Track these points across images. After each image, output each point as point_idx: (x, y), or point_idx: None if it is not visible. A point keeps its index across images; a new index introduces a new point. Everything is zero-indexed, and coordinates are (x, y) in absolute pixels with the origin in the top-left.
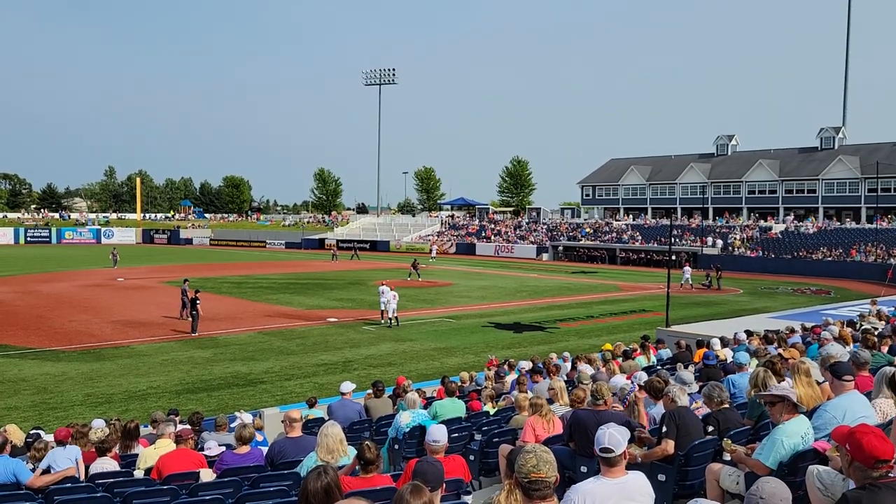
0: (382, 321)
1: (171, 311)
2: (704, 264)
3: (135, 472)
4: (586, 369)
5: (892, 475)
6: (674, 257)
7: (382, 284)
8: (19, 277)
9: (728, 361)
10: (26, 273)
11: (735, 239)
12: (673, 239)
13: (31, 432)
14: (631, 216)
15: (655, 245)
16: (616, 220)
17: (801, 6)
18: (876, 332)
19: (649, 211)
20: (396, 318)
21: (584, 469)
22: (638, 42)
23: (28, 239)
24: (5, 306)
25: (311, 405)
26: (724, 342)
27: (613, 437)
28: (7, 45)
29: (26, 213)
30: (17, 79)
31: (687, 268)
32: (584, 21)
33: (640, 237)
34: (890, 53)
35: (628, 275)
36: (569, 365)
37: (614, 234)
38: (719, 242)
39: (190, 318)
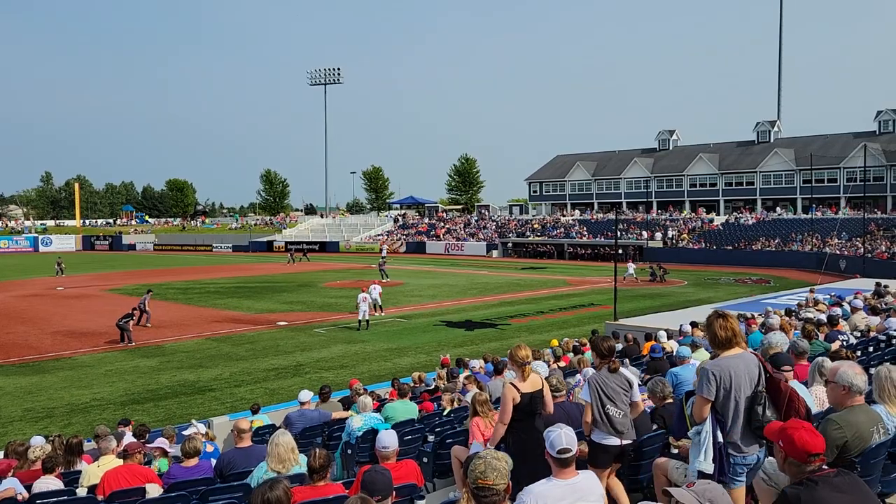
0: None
1: (114, 319)
2: (650, 258)
3: (78, 490)
4: (538, 367)
5: (825, 468)
6: (620, 251)
7: (372, 284)
8: None
9: (674, 354)
10: None
11: (678, 232)
12: (619, 233)
13: None
14: (578, 211)
15: (602, 239)
16: (563, 216)
17: (735, 1)
18: (814, 321)
19: (596, 206)
20: (368, 321)
21: None
22: (581, 39)
23: None
24: None
25: (255, 412)
26: (670, 334)
27: (568, 436)
28: None
29: None
30: None
31: (630, 263)
32: (527, 17)
33: (587, 232)
34: (821, 47)
35: (576, 269)
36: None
37: (562, 230)
38: (658, 235)
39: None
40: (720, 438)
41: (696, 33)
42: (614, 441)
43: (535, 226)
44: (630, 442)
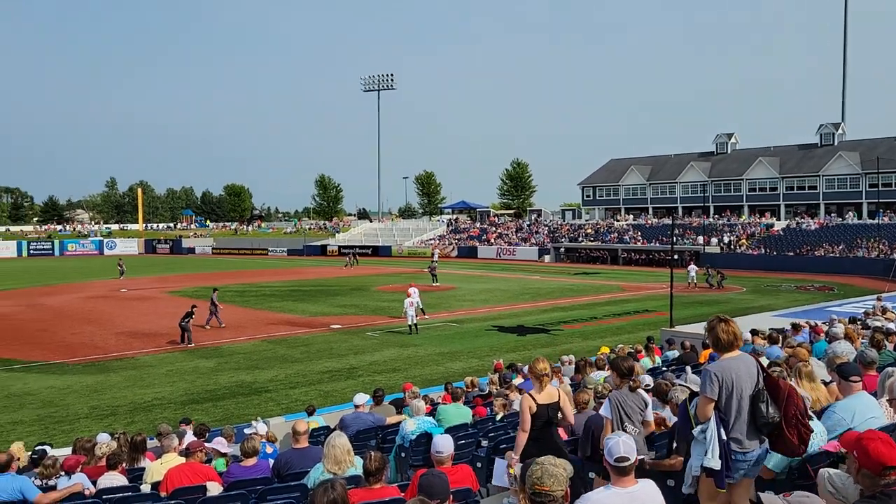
0: (426, 316)
1: (174, 321)
2: (707, 263)
3: (142, 487)
4: (595, 377)
5: None
6: (676, 256)
7: (411, 287)
8: (22, 291)
9: None
10: (29, 286)
11: (735, 237)
12: (675, 238)
13: (37, 448)
14: (632, 216)
15: (657, 245)
16: (617, 221)
17: (799, 2)
18: (883, 330)
19: (650, 210)
20: (416, 325)
21: (592, 475)
22: (635, 40)
23: (31, 252)
24: (9, 320)
25: (311, 413)
26: None
27: (627, 444)
28: (7, 59)
29: (29, 226)
30: (17, 92)
31: (692, 266)
32: (583, 22)
33: (641, 237)
34: (888, 48)
35: (631, 275)
36: (572, 367)
37: (616, 235)
38: (714, 241)
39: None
40: (723, 436)
41: (754, 32)
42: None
43: (589, 230)
44: (642, 457)
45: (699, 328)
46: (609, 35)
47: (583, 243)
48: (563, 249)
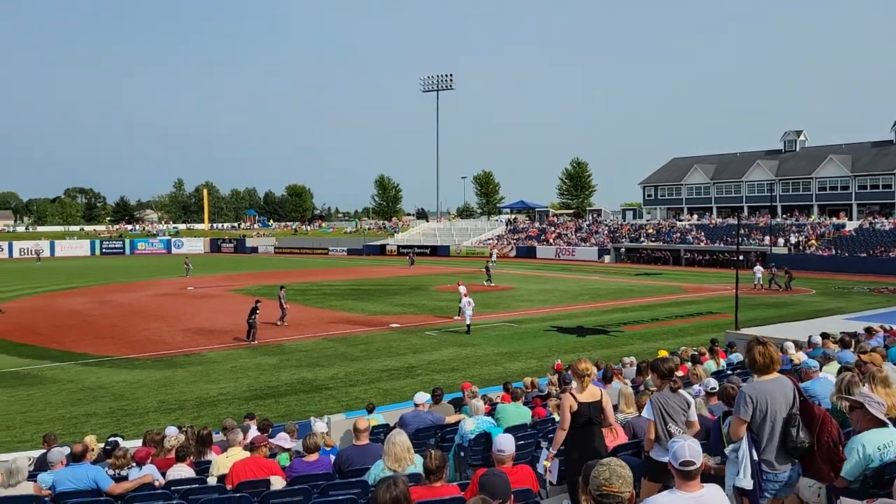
0: (457, 317)
1: (238, 318)
2: (772, 264)
3: (208, 479)
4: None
5: None
6: (741, 257)
7: (461, 285)
8: (95, 288)
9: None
10: (102, 283)
11: (804, 238)
12: (740, 238)
13: (110, 439)
14: (696, 216)
15: (722, 245)
16: (680, 220)
17: None
18: None
19: (714, 210)
20: (469, 325)
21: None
22: (699, 36)
23: (103, 250)
24: (83, 316)
25: (370, 411)
26: (799, 345)
27: (693, 448)
28: (76, 66)
29: (101, 226)
30: (92, 97)
31: (758, 267)
32: (642, 16)
33: (705, 237)
34: None
35: (693, 276)
36: (634, 369)
37: (678, 235)
38: (781, 241)
39: (257, 328)
40: (755, 456)
41: (823, 25)
42: None
43: (650, 230)
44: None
45: (766, 331)
46: (668, 31)
47: (644, 243)
48: (623, 250)
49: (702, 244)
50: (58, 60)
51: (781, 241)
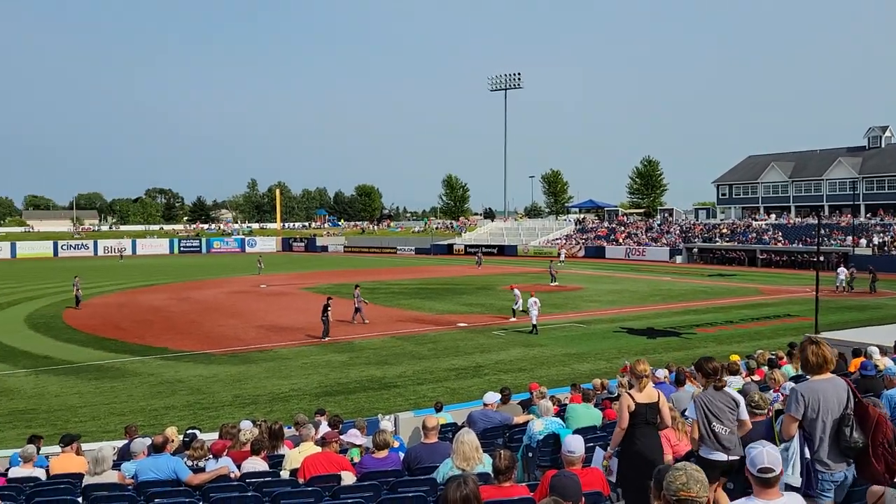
0: (513, 318)
1: (309, 316)
2: (856, 265)
3: (281, 473)
4: (734, 381)
5: None
6: (822, 258)
7: (514, 288)
8: (174, 285)
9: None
10: (180, 281)
11: (890, 238)
12: (821, 239)
13: (188, 431)
14: (773, 215)
15: (800, 245)
16: (756, 220)
17: None
18: None
19: (792, 210)
20: (535, 325)
21: (730, 486)
22: (774, 28)
23: (181, 249)
24: (164, 312)
25: (438, 410)
26: (884, 350)
27: (771, 455)
28: (157, 75)
29: (179, 225)
30: (169, 103)
31: (841, 268)
32: (716, 7)
33: (782, 237)
34: None
35: (770, 277)
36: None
37: (754, 235)
38: (863, 241)
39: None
40: (807, 455)
41: None
42: (721, 456)
43: (724, 230)
44: (737, 458)
45: (848, 335)
46: (741, 22)
47: (718, 244)
48: (696, 250)
49: (779, 244)
50: (140, 70)
51: (864, 241)
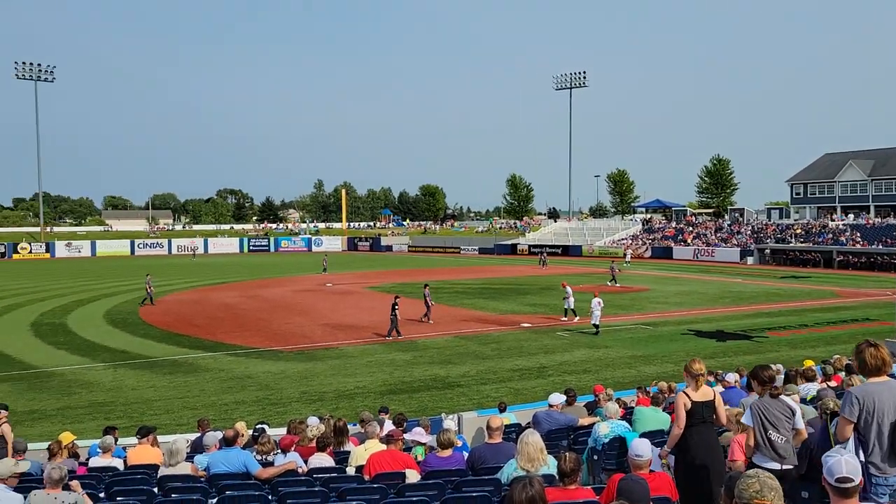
0: (564, 318)
1: (374, 314)
2: None
3: (347, 469)
4: (808, 389)
5: None
6: None
7: (566, 287)
8: (244, 283)
9: None
10: (249, 279)
11: None
12: None
13: (257, 426)
14: (852, 215)
15: (881, 247)
16: (832, 220)
17: None
18: None
19: (872, 209)
20: (598, 326)
21: (804, 495)
22: (852, 18)
23: (250, 248)
24: (234, 309)
25: (502, 410)
26: None
27: (850, 464)
28: (224, 80)
29: (248, 225)
30: (238, 106)
31: None
32: (782, 4)
33: (860, 238)
34: None
35: (847, 280)
36: (782, 378)
37: (830, 236)
38: None
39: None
40: (862, 457)
41: None
42: (775, 465)
43: (798, 231)
44: (791, 467)
45: None
46: (814, 14)
47: (791, 244)
48: (768, 251)
49: (857, 245)
50: (213, 76)
51: None
